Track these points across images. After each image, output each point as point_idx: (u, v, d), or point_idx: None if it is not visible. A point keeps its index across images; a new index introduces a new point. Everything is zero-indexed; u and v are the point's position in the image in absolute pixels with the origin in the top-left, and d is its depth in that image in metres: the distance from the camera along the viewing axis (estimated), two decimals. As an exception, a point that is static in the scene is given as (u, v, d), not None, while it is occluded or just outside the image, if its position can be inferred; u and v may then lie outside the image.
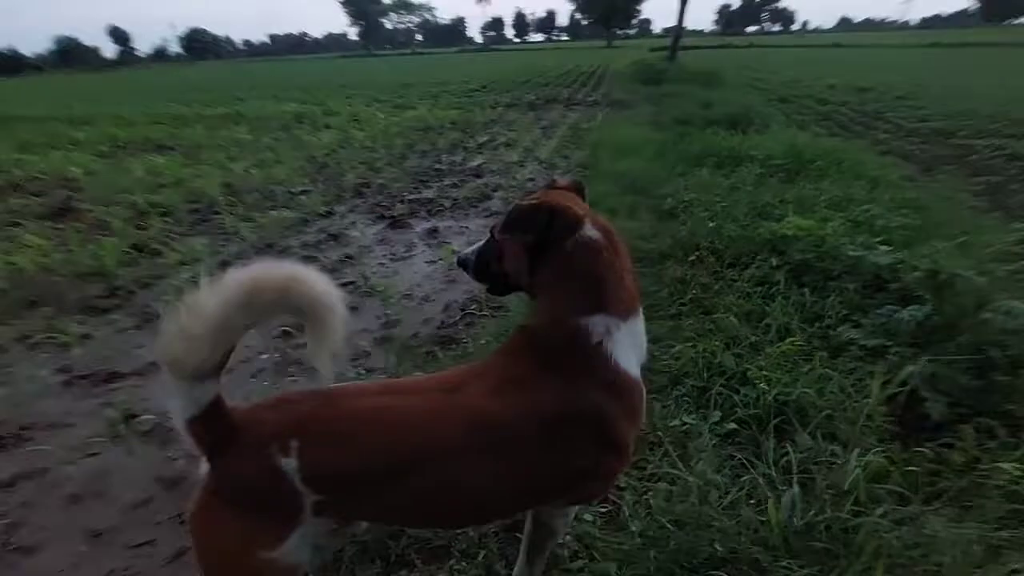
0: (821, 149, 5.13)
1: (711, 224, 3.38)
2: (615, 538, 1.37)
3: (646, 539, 1.31)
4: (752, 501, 1.39)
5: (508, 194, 5.74)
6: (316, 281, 0.90)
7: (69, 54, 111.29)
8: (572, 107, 12.40)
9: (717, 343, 2.20)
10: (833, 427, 1.70)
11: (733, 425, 1.80)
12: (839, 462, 1.47)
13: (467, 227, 4.91)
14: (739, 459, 1.61)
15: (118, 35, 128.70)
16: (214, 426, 0.94)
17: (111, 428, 2.34)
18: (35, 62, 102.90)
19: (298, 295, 0.89)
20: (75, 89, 27.22)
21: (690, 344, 2.28)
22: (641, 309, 1.11)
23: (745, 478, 1.48)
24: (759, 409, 1.82)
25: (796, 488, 1.35)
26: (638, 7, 68.12)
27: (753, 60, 25.59)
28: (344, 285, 3.74)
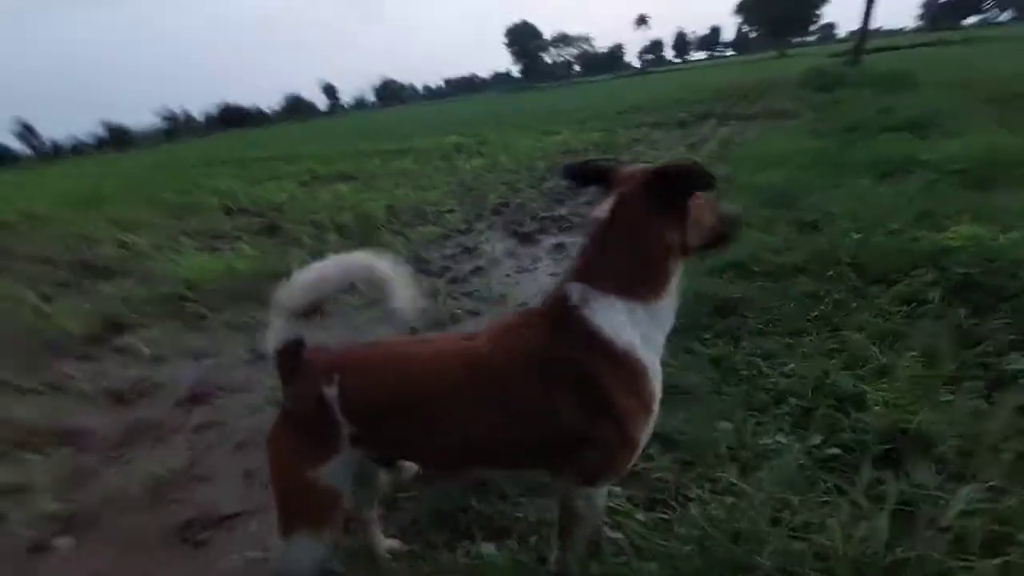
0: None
1: (856, 236, 2.96)
2: (665, 541, 1.31)
3: (695, 545, 1.24)
4: (829, 528, 1.22)
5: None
6: (385, 268, 1.18)
7: (294, 108, 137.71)
8: (726, 122, 11.70)
9: (833, 362, 1.94)
10: (965, 463, 1.40)
11: (835, 450, 1.58)
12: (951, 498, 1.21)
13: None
14: (830, 484, 1.41)
15: (329, 90, 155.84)
16: (293, 358, 1.22)
17: (273, 396, 2.87)
18: (270, 116, 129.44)
19: (371, 276, 1.18)
20: (295, 135, 33.58)
21: (805, 362, 2.05)
22: (657, 294, 1.10)
23: (829, 504, 1.30)
24: (869, 435, 1.57)
25: (884, 519, 1.16)
26: (817, 11, 61.53)
27: (971, 56, 21.38)
28: (469, 293, 4.07)
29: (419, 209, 6.95)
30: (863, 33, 19.34)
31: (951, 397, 1.71)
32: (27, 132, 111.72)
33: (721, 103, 15.59)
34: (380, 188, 8.61)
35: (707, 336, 2.52)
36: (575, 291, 1.11)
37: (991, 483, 1.26)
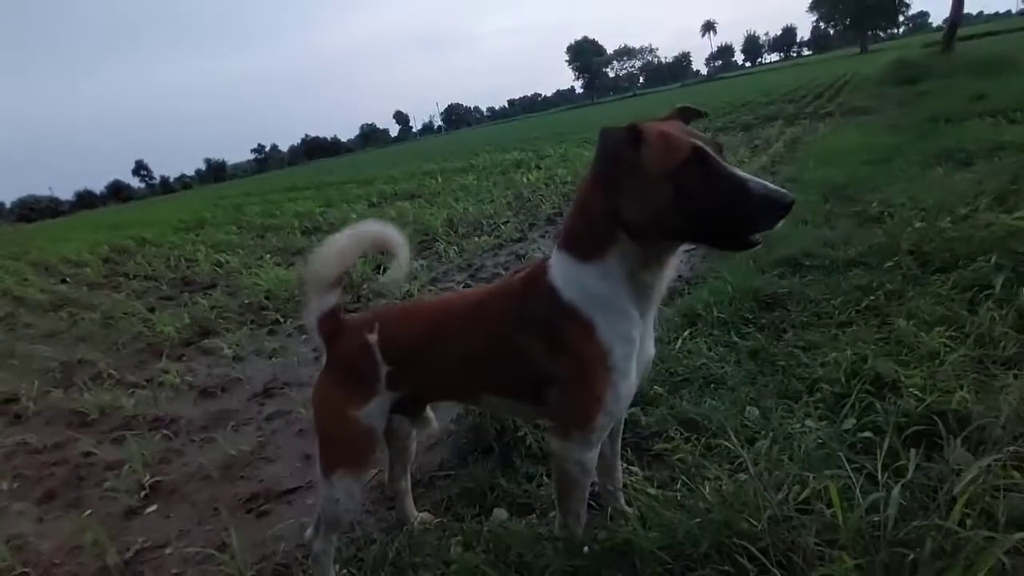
0: None
1: (918, 224, 2.77)
2: (665, 509, 1.34)
3: (692, 512, 1.25)
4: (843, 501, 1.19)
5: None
6: (392, 231, 1.41)
7: (369, 136, 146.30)
8: (796, 122, 11.15)
9: (872, 348, 1.85)
10: (1010, 442, 1.30)
11: (867, 433, 1.51)
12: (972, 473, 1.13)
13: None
14: (854, 463, 1.36)
15: (400, 117, 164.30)
16: (333, 323, 1.42)
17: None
18: (348, 145, 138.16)
19: (381, 239, 1.41)
20: (368, 161, 35.65)
21: (845, 351, 1.97)
22: (595, 254, 1.11)
23: (841, 480, 1.26)
24: (906, 417, 1.49)
25: (895, 491, 1.12)
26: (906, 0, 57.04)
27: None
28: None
29: (476, 221, 7.20)
30: (955, 19, 17.74)
31: (1010, 381, 1.58)
32: (142, 170, 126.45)
33: (792, 104, 14.87)
34: (441, 204, 8.99)
35: (748, 330, 2.46)
36: (553, 250, 1.23)
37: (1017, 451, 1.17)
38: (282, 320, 4.63)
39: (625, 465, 1.67)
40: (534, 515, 1.67)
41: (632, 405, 1.95)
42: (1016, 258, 2.19)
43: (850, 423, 1.59)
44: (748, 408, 1.77)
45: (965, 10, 18.44)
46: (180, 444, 2.87)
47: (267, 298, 5.28)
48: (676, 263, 1.20)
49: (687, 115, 1.20)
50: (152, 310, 5.80)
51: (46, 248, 14.47)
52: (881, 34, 66.29)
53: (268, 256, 7.37)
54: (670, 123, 1.12)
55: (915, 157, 4.65)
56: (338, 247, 1.38)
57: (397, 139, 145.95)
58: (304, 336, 4.14)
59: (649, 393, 2.04)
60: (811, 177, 4.84)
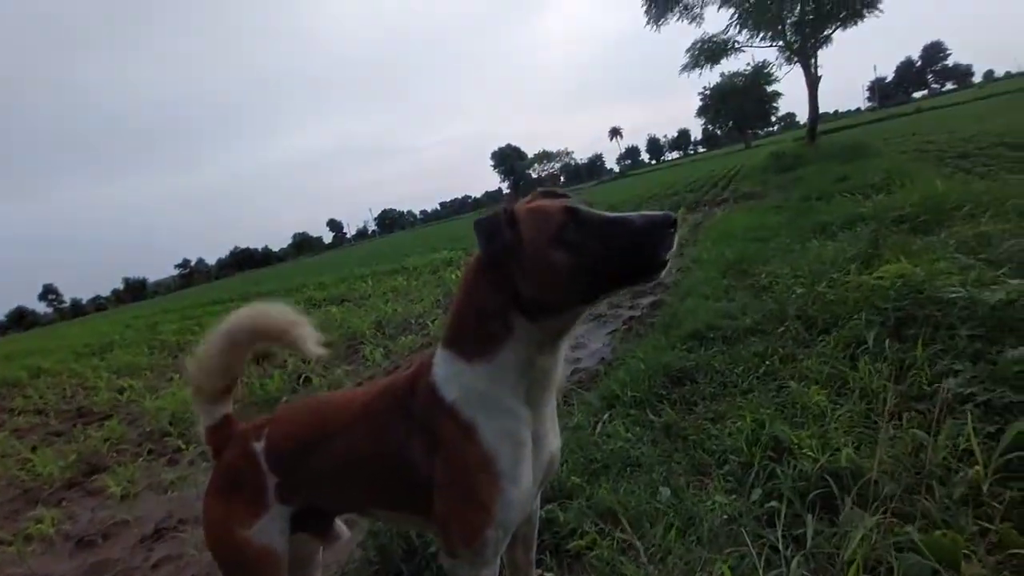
0: (971, 193, 4.35)
1: (800, 290, 3.03)
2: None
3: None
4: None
5: (613, 299, 5.79)
6: (275, 308, 1.29)
7: (301, 245, 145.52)
8: (697, 208, 12.31)
9: (769, 412, 1.91)
10: (903, 498, 1.33)
11: (773, 503, 1.50)
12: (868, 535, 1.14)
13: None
14: (762, 536, 1.34)
15: (334, 225, 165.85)
16: (222, 433, 1.32)
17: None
18: (279, 255, 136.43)
19: (264, 323, 1.27)
20: (299, 269, 35.13)
21: (748, 418, 2.01)
22: (484, 353, 1.05)
23: (744, 557, 1.23)
24: (805, 482, 1.51)
25: (794, 563, 1.09)
26: (774, 104, 67.09)
27: (924, 124, 22.97)
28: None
29: (405, 321, 7.11)
30: (814, 117, 21.00)
31: (891, 432, 1.66)
32: (50, 294, 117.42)
33: (692, 193, 16.50)
34: (370, 306, 8.87)
35: (662, 406, 2.49)
36: (438, 349, 1.16)
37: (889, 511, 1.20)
38: (184, 447, 4.19)
39: (540, 572, 1.55)
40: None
41: (549, 501, 1.87)
42: (882, 314, 2.41)
43: (757, 493, 1.58)
44: (661, 489, 1.74)
45: (822, 109, 21.97)
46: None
47: (171, 423, 4.80)
48: (569, 344, 1.16)
49: (550, 195, 1.20)
50: (34, 449, 5.09)
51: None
52: (760, 132, 76.87)
53: (178, 377, 6.82)
54: (536, 200, 1.14)
55: (795, 232, 5.20)
56: (213, 349, 1.26)
57: (331, 246, 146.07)
58: (208, 462, 3.74)
59: (567, 485, 1.96)
60: (710, 256, 5.25)
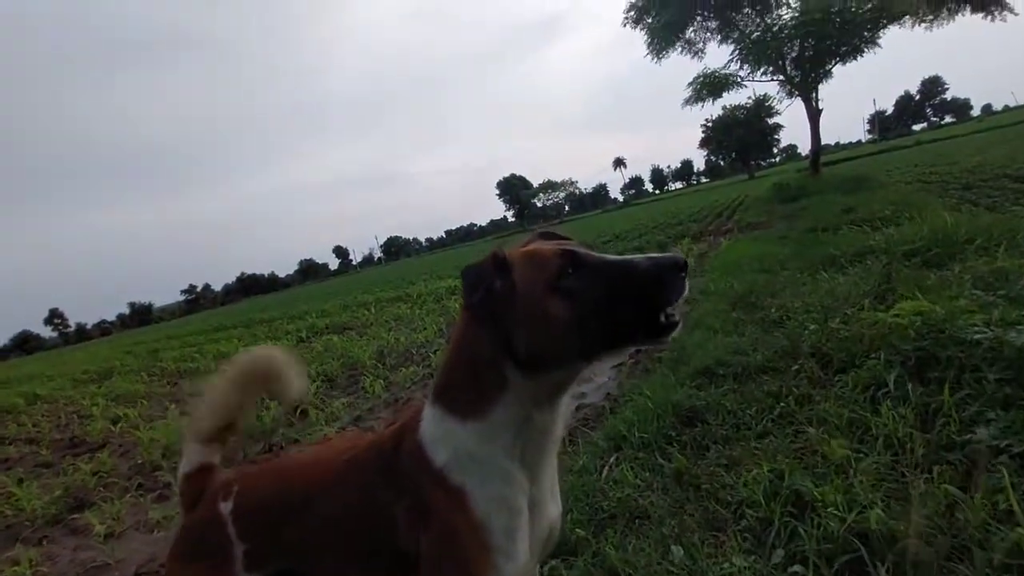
0: (981, 226, 4.27)
1: (812, 327, 2.92)
2: None
3: None
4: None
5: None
6: (267, 354, 1.22)
7: (307, 271, 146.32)
8: (701, 239, 12.27)
9: (788, 461, 1.78)
10: (940, 563, 1.21)
11: (797, 567, 1.37)
12: None
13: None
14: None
15: (340, 252, 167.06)
16: (198, 484, 1.20)
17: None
18: (286, 280, 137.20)
19: (264, 366, 1.21)
20: (304, 296, 35.18)
21: (766, 467, 1.89)
22: (477, 412, 0.95)
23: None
24: (831, 544, 1.38)
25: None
26: (776, 136, 68.05)
27: (925, 156, 23.15)
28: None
29: (407, 351, 7.00)
30: (816, 148, 21.18)
31: (922, 487, 1.54)
32: (56, 319, 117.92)
33: (696, 223, 16.50)
34: (372, 335, 8.77)
35: (671, 449, 2.36)
36: (426, 404, 1.05)
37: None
38: (175, 482, 4.03)
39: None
40: None
41: (553, 556, 1.73)
42: (902, 354, 2.30)
43: (778, 555, 1.45)
44: (673, 548, 1.60)
45: (824, 141, 22.18)
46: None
47: (164, 455, 4.65)
48: (570, 401, 1.07)
49: (547, 237, 1.12)
50: (21, 481, 4.93)
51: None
52: (762, 163, 77.75)
53: (174, 406, 6.69)
54: (533, 243, 1.07)
55: (803, 264, 5.11)
56: (219, 393, 1.20)
57: (337, 272, 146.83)
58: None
59: (572, 539, 1.82)
60: (717, 287, 5.16)
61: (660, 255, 0.91)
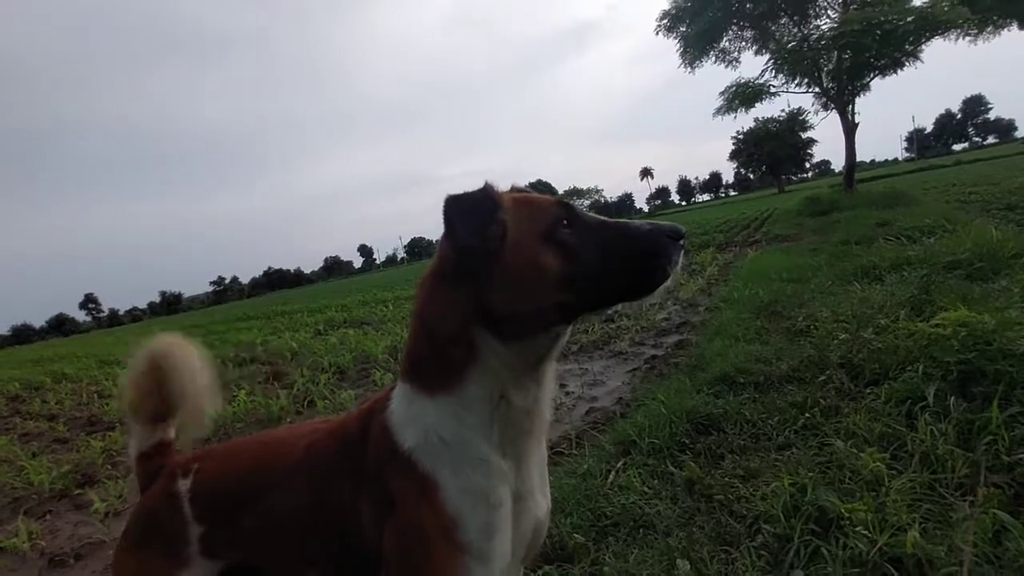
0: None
1: (843, 336, 2.73)
2: None
3: None
4: None
5: (636, 335, 5.51)
6: (171, 346, 1.13)
7: (332, 268, 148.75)
8: (726, 249, 11.97)
9: (812, 475, 1.62)
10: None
11: (820, 590, 1.22)
12: None
13: (588, 368, 4.76)
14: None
15: (364, 250, 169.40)
16: (153, 465, 1.12)
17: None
18: (311, 276, 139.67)
19: (159, 357, 1.11)
20: (327, 291, 35.67)
21: (786, 479, 1.73)
22: (447, 384, 0.84)
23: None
24: (859, 568, 1.22)
25: None
26: (809, 151, 66.60)
27: (965, 176, 22.28)
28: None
29: (420, 347, 6.95)
30: (851, 163, 20.51)
31: (966, 509, 1.37)
32: (90, 303, 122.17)
33: (723, 234, 16.16)
34: (387, 331, 8.74)
35: (684, 457, 2.21)
36: (398, 382, 0.94)
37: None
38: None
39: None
40: None
41: (547, 562, 1.61)
42: (943, 367, 2.10)
43: (798, 575, 1.30)
44: (680, 562, 1.46)
45: (859, 158, 21.53)
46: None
47: (177, 437, 4.66)
48: (555, 371, 0.92)
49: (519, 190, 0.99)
50: (34, 456, 5.00)
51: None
52: (793, 177, 76.07)
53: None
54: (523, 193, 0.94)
55: (834, 275, 4.87)
56: (131, 374, 1.13)
57: (360, 270, 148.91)
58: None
59: (569, 544, 1.69)
60: (742, 295, 4.96)
61: (661, 222, 0.86)
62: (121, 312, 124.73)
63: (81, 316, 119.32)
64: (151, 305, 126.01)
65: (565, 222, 0.82)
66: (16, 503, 3.88)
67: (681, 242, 0.84)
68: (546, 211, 0.83)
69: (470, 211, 0.81)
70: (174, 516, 1.03)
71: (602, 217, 0.87)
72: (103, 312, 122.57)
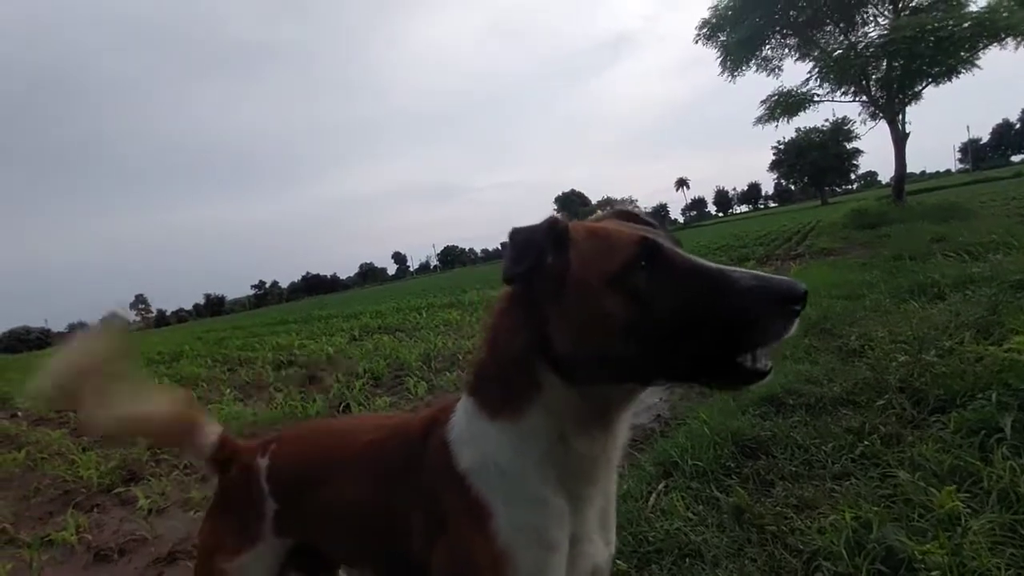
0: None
1: (902, 358, 2.56)
2: None
3: None
4: None
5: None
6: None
7: (367, 274, 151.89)
8: (767, 263, 11.59)
9: (876, 509, 1.50)
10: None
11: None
12: None
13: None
14: None
15: (398, 258, 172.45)
16: (224, 450, 1.16)
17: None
18: (346, 282, 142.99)
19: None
20: (362, 297, 36.39)
21: (846, 513, 1.61)
22: (512, 410, 0.79)
23: None
24: (936, 616, 1.12)
25: None
26: (854, 161, 64.18)
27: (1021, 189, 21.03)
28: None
29: (453, 356, 6.95)
30: (901, 173, 19.62)
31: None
32: (140, 304, 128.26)
33: (763, 247, 15.67)
34: (420, 338, 8.81)
35: (730, 481, 2.10)
36: (459, 407, 0.90)
37: None
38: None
39: None
40: None
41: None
42: (1019, 395, 1.94)
43: (864, 620, 1.20)
44: (730, 597, 1.37)
45: (909, 169, 20.60)
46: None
47: (212, 438, 4.79)
48: (628, 422, 0.84)
49: (626, 218, 0.90)
50: (84, 450, 5.22)
51: (14, 379, 13.83)
52: (837, 189, 73.37)
53: (230, 391, 6.94)
54: (605, 221, 0.88)
55: (887, 292, 4.63)
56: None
57: (394, 277, 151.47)
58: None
59: (612, 572, 1.62)
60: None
61: (771, 275, 0.69)
62: (168, 313, 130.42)
63: (132, 316, 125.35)
64: (196, 307, 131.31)
65: (643, 263, 0.71)
66: (67, 496, 4.04)
67: (797, 307, 0.66)
68: (620, 250, 0.73)
69: (522, 242, 0.75)
70: (252, 491, 1.08)
71: (699, 260, 0.73)
72: (152, 313, 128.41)
